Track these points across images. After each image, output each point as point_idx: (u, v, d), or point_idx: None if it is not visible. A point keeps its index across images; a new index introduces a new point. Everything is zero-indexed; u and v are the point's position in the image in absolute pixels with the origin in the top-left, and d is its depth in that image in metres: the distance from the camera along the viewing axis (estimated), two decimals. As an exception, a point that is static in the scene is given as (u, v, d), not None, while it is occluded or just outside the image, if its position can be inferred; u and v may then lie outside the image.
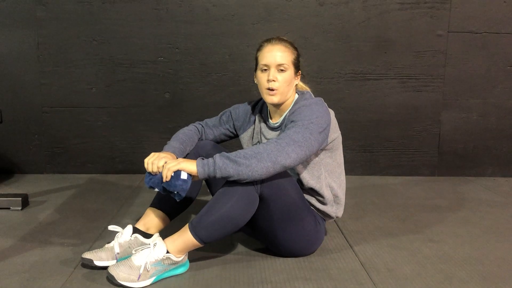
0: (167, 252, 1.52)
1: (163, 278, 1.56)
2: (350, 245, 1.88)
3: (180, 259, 1.56)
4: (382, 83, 2.86)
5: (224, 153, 1.50)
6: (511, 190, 2.71)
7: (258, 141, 1.81)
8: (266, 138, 1.78)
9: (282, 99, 1.67)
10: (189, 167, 1.48)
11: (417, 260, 1.74)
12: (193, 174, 1.49)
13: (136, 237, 1.64)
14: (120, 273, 1.47)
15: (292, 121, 1.60)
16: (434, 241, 1.93)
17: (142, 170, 2.92)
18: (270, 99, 1.67)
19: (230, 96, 2.84)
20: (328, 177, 1.72)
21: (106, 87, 2.82)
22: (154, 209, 1.74)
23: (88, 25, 2.75)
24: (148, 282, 1.51)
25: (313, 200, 1.72)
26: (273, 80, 1.64)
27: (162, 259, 1.51)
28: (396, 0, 2.76)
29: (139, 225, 1.71)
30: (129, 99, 2.84)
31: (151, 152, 2.87)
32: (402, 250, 1.84)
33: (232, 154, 1.49)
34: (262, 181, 1.53)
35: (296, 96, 1.75)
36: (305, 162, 1.67)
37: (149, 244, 1.53)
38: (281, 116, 1.74)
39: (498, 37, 2.82)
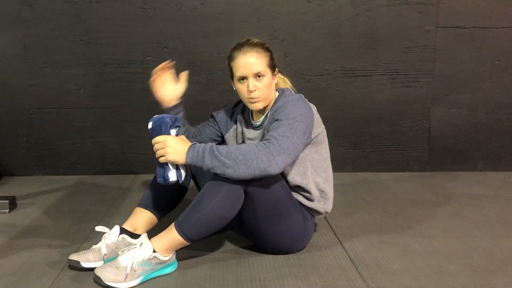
0: (154, 251, 1.50)
1: (151, 278, 1.54)
2: (339, 242, 1.87)
3: (167, 258, 1.54)
4: (372, 79, 2.86)
5: (214, 148, 1.48)
6: (501, 184, 2.72)
7: (242, 141, 1.82)
8: (248, 138, 1.78)
9: (265, 103, 1.68)
10: (177, 160, 1.50)
11: (406, 255, 1.74)
12: (180, 164, 1.52)
13: (123, 237, 1.63)
14: (106, 274, 1.45)
15: (276, 120, 1.59)
16: (424, 236, 1.93)
17: (131, 170, 2.91)
18: (255, 106, 1.67)
19: (220, 95, 2.83)
20: (314, 172, 1.72)
21: (94, 88, 2.80)
22: (142, 209, 1.73)
23: (75, 25, 2.73)
24: (136, 282, 1.49)
25: (300, 198, 1.71)
26: (254, 90, 1.63)
27: (149, 259, 1.50)
28: (384, -4, 2.77)
29: (127, 225, 1.70)
30: (117, 99, 2.82)
31: (141, 153, 2.87)
32: (392, 245, 1.83)
33: (223, 153, 1.47)
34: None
35: (277, 94, 1.75)
36: None
37: (136, 244, 1.52)
38: (263, 115, 1.74)
39: (486, 31, 2.83)
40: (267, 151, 1.48)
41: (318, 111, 1.74)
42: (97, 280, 1.47)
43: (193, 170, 1.83)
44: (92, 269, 1.55)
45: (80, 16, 2.72)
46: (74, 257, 1.57)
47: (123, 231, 1.65)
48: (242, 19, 2.76)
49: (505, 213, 2.21)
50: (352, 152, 2.95)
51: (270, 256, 1.73)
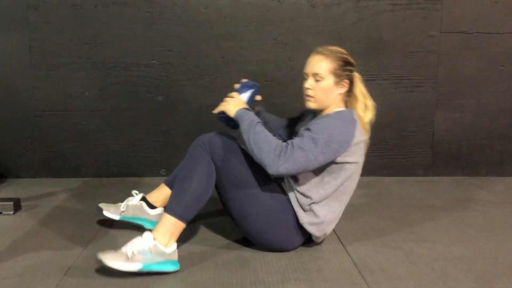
0: (154, 239, 1.59)
1: (155, 280, 1.55)
2: (343, 246, 1.87)
3: (168, 250, 1.59)
4: (375, 84, 2.86)
5: (255, 123, 1.66)
6: (505, 189, 2.71)
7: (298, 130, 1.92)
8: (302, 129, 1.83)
9: (319, 106, 1.76)
10: (229, 110, 1.73)
11: (410, 260, 1.74)
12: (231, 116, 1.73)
13: (141, 204, 1.93)
14: (108, 257, 1.55)
15: (307, 128, 1.66)
16: (428, 240, 1.93)
17: (136, 173, 2.91)
18: (308, 104, 1.78)
19: (224, 98, 2.83)
20: (321, 192, 1.73)
21: (99, 91, 2.82)
22: (164, 186, 1.98)
23: (80, 29, 2.75)
24: (136, 267, 1.55)
25: (292, 195, 1.75)
26: (309, 88, 1.75)
27: (149, 248, 1.57)
28: (388, 1, 2.77)
29: (149, 196, 1.98)
30: (122, 103, 2.83)
31: (145, 156, 2.88)
32: (396, 250, 1.84)
33: (256, 130, 1.64)
34: (212, 151, 1.70)
35: (337, 109, 1.76)
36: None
37: (150, 214, 1.88)
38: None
39: (490, 37, 2.83)
40: (277, 154, 1.60)
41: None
42: (100, 262, 1.55)
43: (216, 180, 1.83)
44: (110, 219, 1.96)
45: (85, 19, 2.74)
46: (101, 205, 1.96)
47: (144, 199, 1.95)
48: (246, 23, 2.78)
49: (509, 218, 2.21)
50: (356, 156, 2.95)
51: (274, 260, 1.73)
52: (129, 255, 1.55)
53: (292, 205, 1.75)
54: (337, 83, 1.73)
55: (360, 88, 1.76)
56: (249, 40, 2.79)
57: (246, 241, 1.90)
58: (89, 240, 1.91)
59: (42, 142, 2.86)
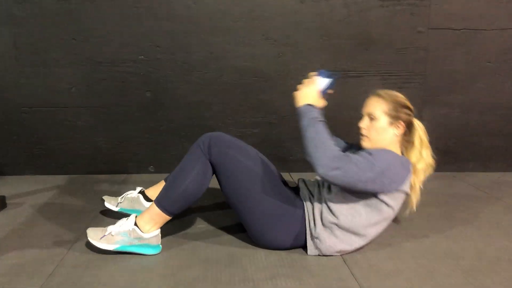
0: (135, 225, 1.70)
1: (143, 278, 1.54)
2: (332, 242, 1.87)
3: (147, 236, 1.70)
4: (364, 80, 2.87)
5: (317, 121, 1.64)
6: (492, 184, 2.74)
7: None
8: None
9: (371, 145, 1.78)
10: (297, 101, 1.72)
11: (399, 256, 1.75)
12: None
13: (139, 196, 2.04)
14: (91, 233, 1.72)
15: (369, 153, 1.64)
16: (416, 236, 1.94)
17: (124, 170, 2.89)
18: (362, 143, 1.81)
19: (213, 95, 2.82)
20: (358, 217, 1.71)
21: (86, 87, 2.78)
22: (164, 182, 2.06)
23: (67, 24, 2.71)
24: (111, 247, 1.69)
25: (318, 210, 1.73)
26: (363, 127, 1.80)
27: (129, 231, 1.69)
28: (377, -3, 2.78)
29: (148, 191, 2.09)
30: (110, 99, 2.81)
31: (133, 152, 2.86)
32: (385, 245, 1.84)
33: (317, 129, 1.62)
34: (210, 152, 1.71)
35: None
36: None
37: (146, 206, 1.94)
38: None
39: (477, 33, 2.85)
40: (332, 158, 1.57)
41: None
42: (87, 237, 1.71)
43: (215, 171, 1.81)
44: (110, 210, 2.07)
45: (72, 14, 2.70)
46: (104, 197, 2.08)
47: (142, 193, 2.07)
48: (235, 19, 2.76)
49: (496, 214, 2.23)
50: (345, 152, 2.96)
51: (263, 256, 1.73)
52: (106, 233, 1.70)
53: (304, 212, 1.74)
54: (391, 124, 1.75)
55: (419, 136, 1.78)
56: (238, 36, 2.77)
57: (236, 237, 1.90)
58: (76, 238, 1.89)
59: (28, 139, 2.82)
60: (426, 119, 2.94)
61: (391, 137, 1.76)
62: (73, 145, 2.85)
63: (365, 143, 1.79)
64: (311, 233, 1.72)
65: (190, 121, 2.86)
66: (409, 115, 1.77)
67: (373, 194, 1.66)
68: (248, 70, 2.81)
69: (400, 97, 1.79)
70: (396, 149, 1.78)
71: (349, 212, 1.68)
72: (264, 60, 2.81)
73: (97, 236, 1.70)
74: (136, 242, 1.70)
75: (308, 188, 1.87)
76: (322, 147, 1.58)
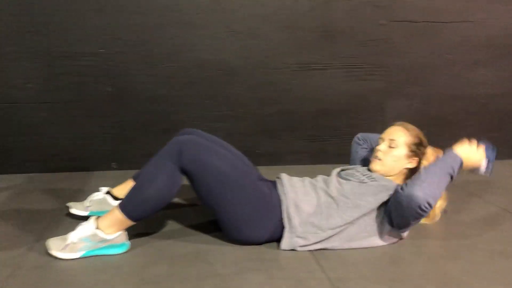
0: (97, 228, 1.63)
1: (109, 278, 1.49)
2: (300, 234, 1.88)
3: (110, 237, 1.64)
4: (328, 72, 2.88)
5: (449, 178, 1.71)
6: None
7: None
8: (353, 169, 1.96)
9: (383, 170, 1.84)
10: (462, 152, 1.78)
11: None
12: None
13: (105, 197, 1.97)
14: (51, 243, 1.64)
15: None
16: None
17: (86, 167, 2.81)
18: (373, 162, 1.87)
19: (177, 89, 2.77)
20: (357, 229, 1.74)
21: (44, 82, 2.68)
22: (131, 180, 1.98)
23: (21, 16, 2.59)
24: (76, 255, 1.62)
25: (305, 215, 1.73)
26: (380, 150, 1.85)
27: (91, 235, 1.62)
28: (340, -10, 2.79)
29: (114, 190, 2.00)
30: (69, 94, 2.71)
31: (95, 149, 2.78)
32: (351, 236, 1.86)
33: (443, 185, 1.70)
34: (180, 160, 1.63)
35: (398, 184, 1.77)
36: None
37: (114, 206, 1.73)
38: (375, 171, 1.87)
39: (437, 26, 2.91)
40: (433, 201, 1.63)
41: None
42: (46, 249, 1.64)
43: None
44: (78, 216, 1.96)
45: (26, 5, 2.58)
46: (70, 203, 2.01)
47: (108, 193, 1.99)
48: (198, 11, 2.71)
49: (457, 200, 2.29)
50: (310, 145, 2.97)
51: (230, 251, 1.71)
52: (68, 241, 1.62)
53: (280, 207, 1.73)
54: (408, 157, 1.84)
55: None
56: (201, 28, 2.73)
57: (204, 234, 1.87)
58: (35, 239, 1.81)
59: (-18, 136, 2.69)
60: (388, 111, 2.99)
61: (402, 169, 1.86)
62: (31, 142, 2.74)
63: (376, 166, 1.85)
64: (287, 228, 1.71)
65: (153, 116, 2.80)
66: (424, 154, 1.86)
67: (385, 203, 1.73)
68: (213, 63, 2.77)
69: (421, 133, 1.91)
70: (401, 181, 1.87)
71: (351, 210, 1.72)
72: (228, 53, 2.78)
73: (58, 247, 1.62)
74: (101, 245, 1.64)
75: (286, 183, 1.83)
76: (440, 190, 1.66)
